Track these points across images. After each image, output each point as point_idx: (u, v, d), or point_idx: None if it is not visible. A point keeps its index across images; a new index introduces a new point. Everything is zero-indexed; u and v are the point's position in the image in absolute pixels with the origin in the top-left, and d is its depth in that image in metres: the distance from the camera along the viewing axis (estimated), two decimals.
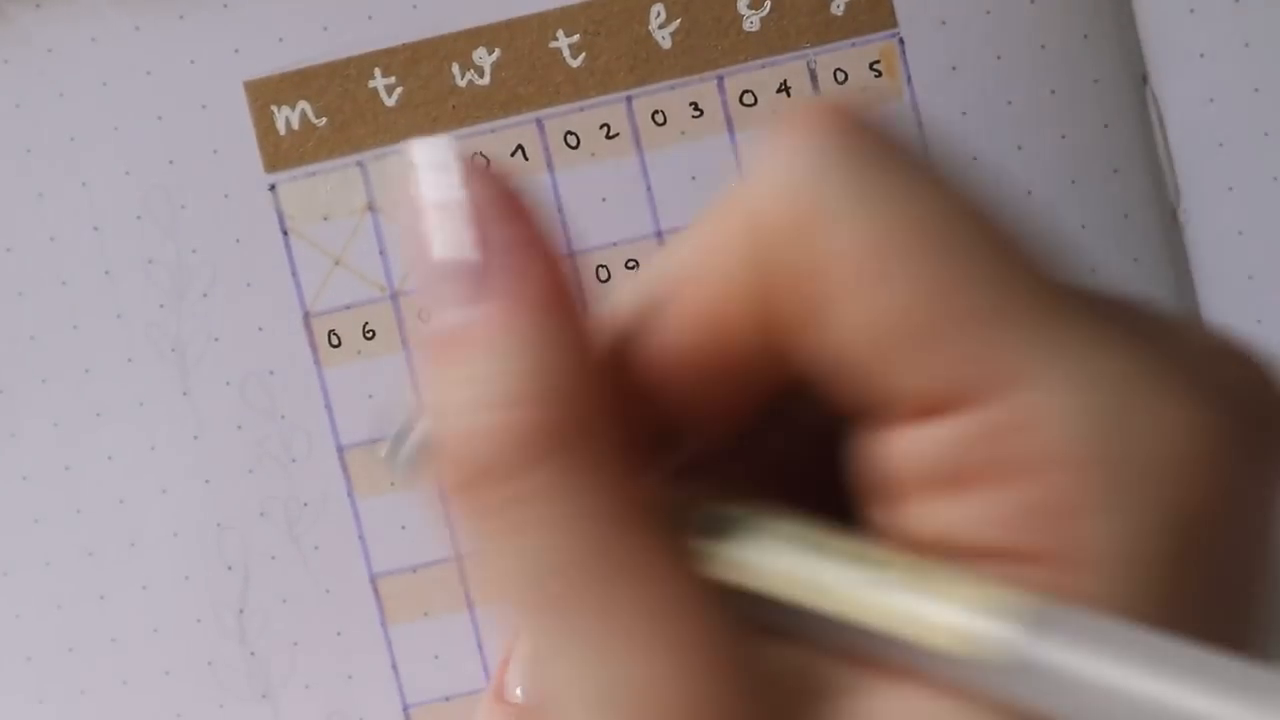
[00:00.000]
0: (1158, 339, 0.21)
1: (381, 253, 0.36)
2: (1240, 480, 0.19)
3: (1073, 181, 0.35)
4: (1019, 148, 0.35)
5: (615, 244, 0.35)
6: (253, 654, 0.36)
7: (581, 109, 0.35)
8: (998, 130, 0.35)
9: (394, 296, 0.36)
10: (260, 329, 0.36)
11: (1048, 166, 0.35)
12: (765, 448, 0.24)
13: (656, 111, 0.35)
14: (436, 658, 0.36)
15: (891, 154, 0.21)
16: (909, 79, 0.35)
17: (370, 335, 0.36)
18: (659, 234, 0.35)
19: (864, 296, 0.20)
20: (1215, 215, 0.35)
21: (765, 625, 0.21)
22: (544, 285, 0.22)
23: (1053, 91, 0.35)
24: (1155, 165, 0.35)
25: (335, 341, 0.36)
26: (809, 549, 0.21)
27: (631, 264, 0.35)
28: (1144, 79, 0.35)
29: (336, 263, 0.36)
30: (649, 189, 0.35)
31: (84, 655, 0.36)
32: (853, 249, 0.20)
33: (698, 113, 0.35)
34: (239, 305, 0.36)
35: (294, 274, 0.36)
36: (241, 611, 0.36)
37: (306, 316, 0.36)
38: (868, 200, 0.20)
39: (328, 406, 0.36)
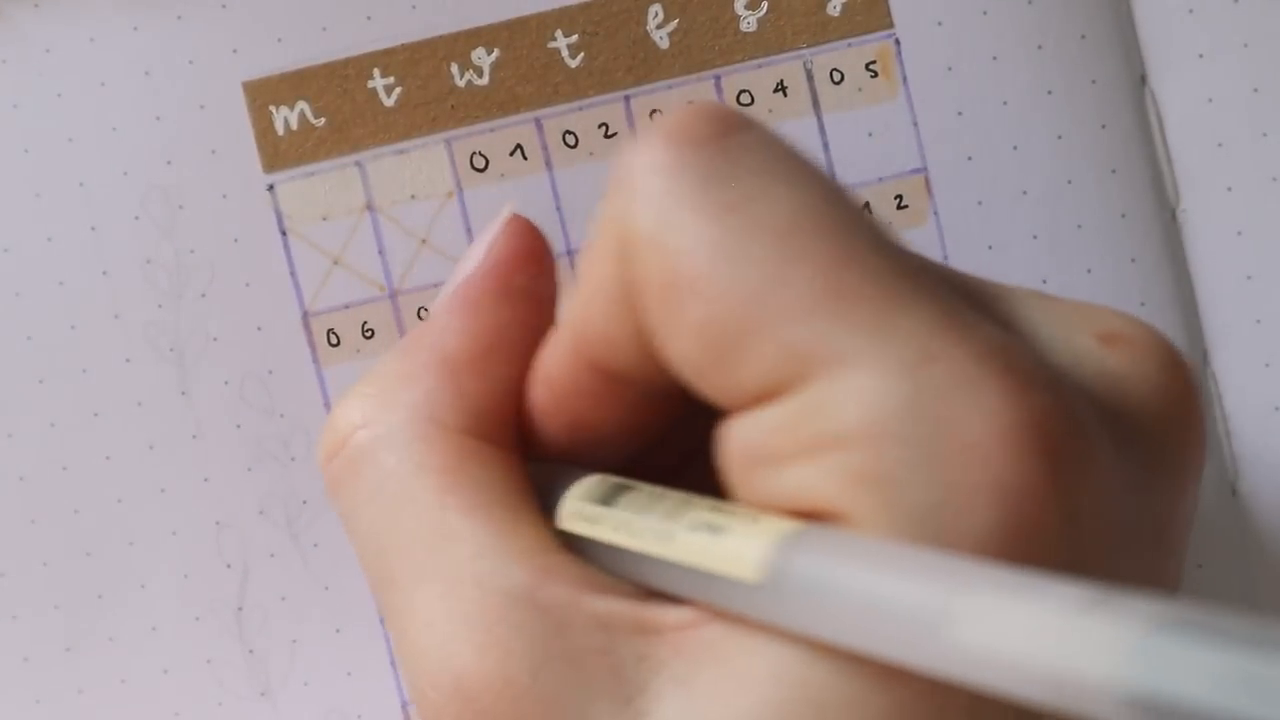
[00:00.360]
0: (1015, 322, 0.24)
1: (380, 252, 0.36)
2: (1033, 473, 0.21)
3: (1069, 181, 0.35)
4: (1015, 148, 0.35)
5: None
6: (251, 652, 0.36)
7: (580, 109, 0.35)
8: (994, 130, 0.35)
9: (393, 296, 0.36)
10: (259, 328, 0.36)
11: (1044, 167, 0.35)
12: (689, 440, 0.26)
13: (655, 111, 0.35)
14: None
15: (740, 153, 0.23)
16: (905, 79, 0.35)
17: (369, 334, 0.36)
18: None
19: (701, 300, 0.22)
20: (1214, 215, 0.35)
21: (611, 574, 0.24)
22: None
23: (1050, 92, 0.35)
24: (1154, 165, 0.35)
25: (334, 341, 0.36)
26: (629, 501, 0.24)
27: None
28: (1142, 79, 0.35)
29: (335, 262, 0.36)
30: None
31: (82, 654, 0.36)
32: (694, 257, 0.22)
33: None
34: (237, 305, 0.36)
35: (293, 274, 0.36)
36: (240, 609, 0.36)
37: (305, 316, 0.36)
38: (712, 205, 0.22)
39: (326, 405, 0.36)
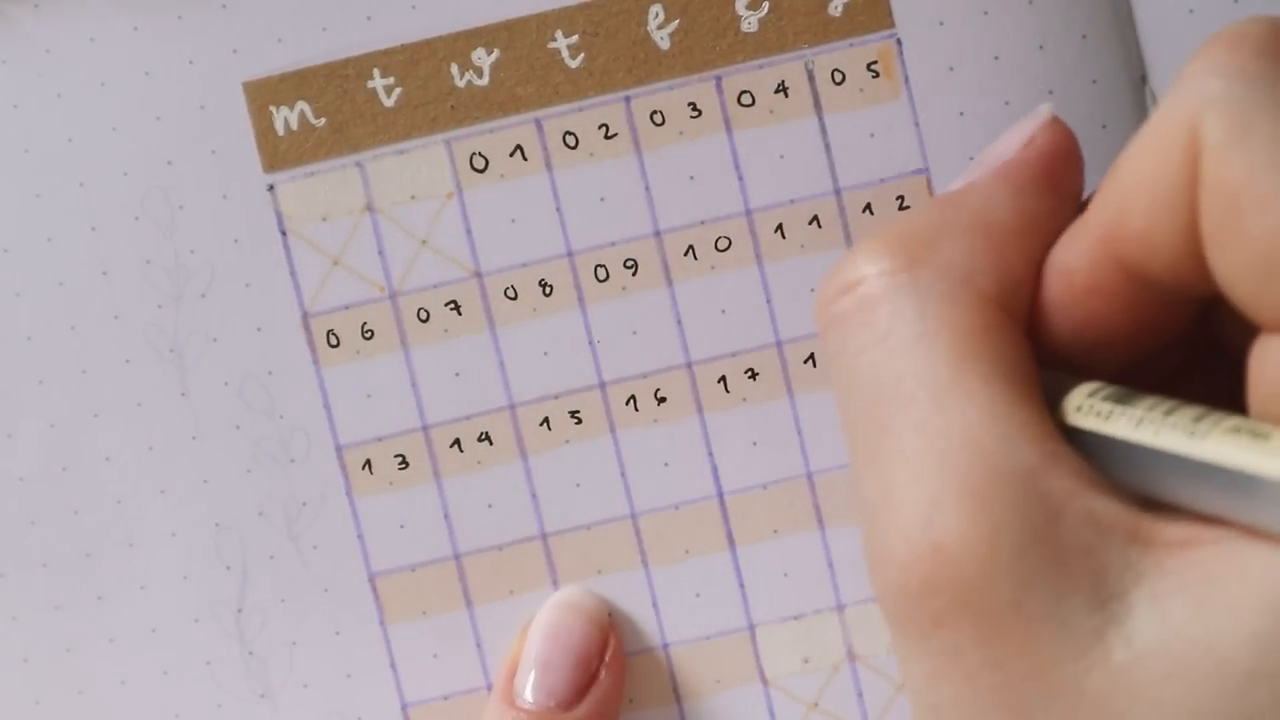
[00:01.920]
0: None
1: (380, 253, 0.36)
2: None
3: None
4: None
5: (614, 244, 0.35)
6: (251, 653, 0.36)
7: (580, 109, 0.35)
8: (996, 131, 0.35)
9: (393, 296, 0.36)
10: (259, 329, 0.36)
11: None
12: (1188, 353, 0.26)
13: (655, 112, 0.35)
14: (435, 656, 0.36)
15: None
16: (906, 79, 0.35)
17: (369, 335, 0.36)
18: (657, 234, 0.35)
19: (1273, 213, 0.22)
20: None
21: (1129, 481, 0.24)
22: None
23: (1051, 92, 0.35)
24: None
25: (334, 342, 0.36)
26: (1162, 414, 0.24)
27: (630, 264, 0.35)
28: (1143, 79, 0.35)
29: (335, 263, 0.36)
30: (647, 189, 0.35)
31: (82, 656, 0.36)
32: (1274, 168, 0.22)
33: (696, 113, 0.35)
34: (237, 306, 0.36)
35: (292, 274, 0.36)
36: (240, 611, 0.36)
37: (305, 317, 0.36)
38: None
39: (326, 406, 0.36)
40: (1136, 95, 0.35)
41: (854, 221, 0.35)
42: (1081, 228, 0.26)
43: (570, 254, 0.36)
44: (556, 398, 0.36)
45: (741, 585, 0.36)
